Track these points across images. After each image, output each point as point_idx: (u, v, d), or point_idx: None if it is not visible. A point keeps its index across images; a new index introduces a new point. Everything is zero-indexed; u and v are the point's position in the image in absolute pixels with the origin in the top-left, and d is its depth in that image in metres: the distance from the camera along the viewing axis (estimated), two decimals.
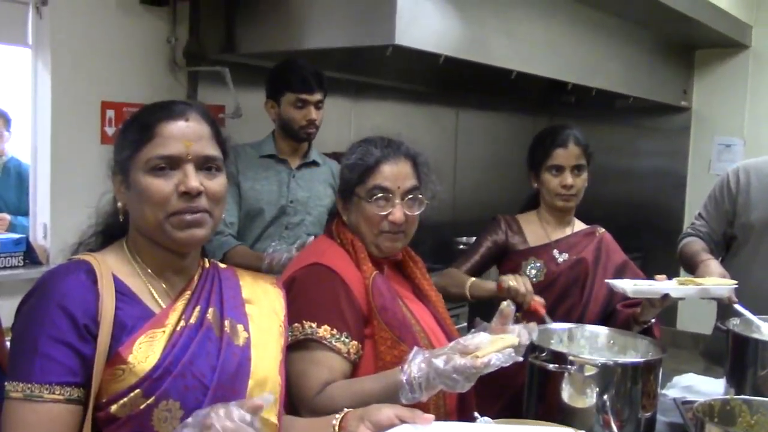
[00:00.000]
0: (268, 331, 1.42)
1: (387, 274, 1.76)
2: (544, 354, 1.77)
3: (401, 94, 4.68)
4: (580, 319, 2.20)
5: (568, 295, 2.27)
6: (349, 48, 3.15)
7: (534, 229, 2.35)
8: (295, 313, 1.58)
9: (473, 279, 2.21)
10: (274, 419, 1.34)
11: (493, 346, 1.46)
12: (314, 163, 2.81)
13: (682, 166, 5.77)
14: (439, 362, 1.42)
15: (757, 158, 2.74)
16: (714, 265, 2.41)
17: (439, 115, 5.09)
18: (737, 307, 2.18)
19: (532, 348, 1.78)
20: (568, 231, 2.36)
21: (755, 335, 2.09)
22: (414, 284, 1.81)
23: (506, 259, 2.33)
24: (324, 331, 1.58)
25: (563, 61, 4.09)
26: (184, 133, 1.30)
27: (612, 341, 1.95)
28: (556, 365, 1.71)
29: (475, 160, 5.18)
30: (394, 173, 1.70)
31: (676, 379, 2.28)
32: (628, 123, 5.89)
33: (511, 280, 2.02)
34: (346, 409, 1.37)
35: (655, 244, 5.74)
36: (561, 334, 1.96)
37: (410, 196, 1.72)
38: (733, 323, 2.13)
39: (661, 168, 5.84)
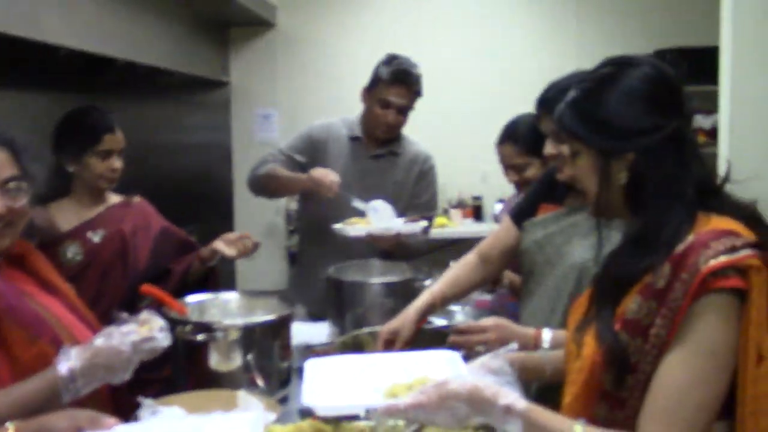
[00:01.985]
0: None
1: (5, 273, 1.61)
2: (187, 327, 1.81)
3: None
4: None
5: (113, 269, 2.28)
6: None
7: (67, 215, 2.30)
8: None
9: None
10: None
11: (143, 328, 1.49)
12: None
13: (226, 137, 6.09)
14: (108, 340, 1.39)
15: (337, 119, 3.00)
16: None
17: None
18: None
19: (174, 323, 1.80)
20: (101, 208, 2.36)
21: (349, 278, 2.41)
22: (40, 278, 1.68)
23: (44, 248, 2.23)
24: None
25: (115, 38, 3.99)
26: None
27: (240, 305, 2.08)
28: (204, 335, 1.77)
29: None
30: None
31: None
32: (173, 98, 5.95)
33: None
34: (9, 424, 1.25)
35: (210, 214, 6.01)
36: (193, 308, 2.02)
37: (10, 186, 1.58)
38: (331, 270, 2.43)
39: (208, 141, 6.07)
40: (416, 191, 2.90)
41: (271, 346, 1.86)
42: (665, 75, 1.35)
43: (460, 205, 5.83)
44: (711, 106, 4.92)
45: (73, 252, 2.24)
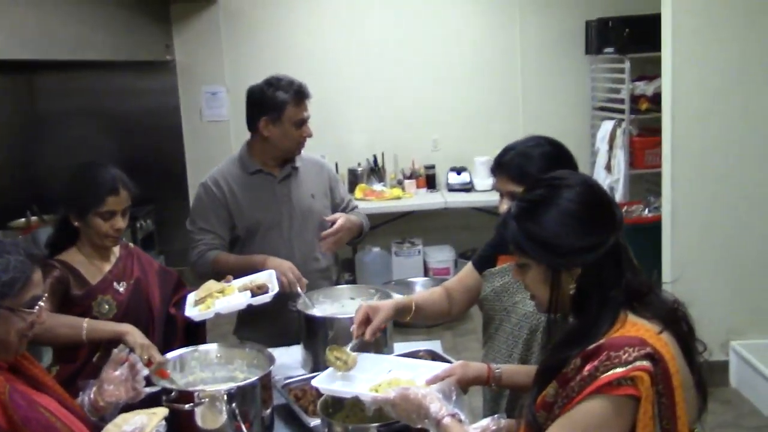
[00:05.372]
0: None
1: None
2: (172, 394, 1.89)
3: None
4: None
5: (140, 316, 2.34)
6: None
7: (86, 268, 2.32)
8: None
9: (88, 320, 2.17)
10: None
11: (151, 424, 1.57)
12: None
13: (176, 117, 6.04)
14: None
15: (220, 166, 2.91)
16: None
17: None
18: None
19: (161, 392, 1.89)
20: (113, 259, 2.40)
21: (315, 312, 2.50)
22: (29, 378, 1.72)
23: (72, 304, 2.26)
24: None
25: (55, 39, 3.91)
26: None
27: (219, 355, 2.16)
28: (191, 404, 1.86)
29: None
30: None
31: None
32: (119, 80, 5.90)
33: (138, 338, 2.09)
34: None
35: (166, 193, 5.99)
36: (174, 363, 2.10)
37: (41, 303, 1.65)
38: (299, 303, 2.51)
39: (158, 122, 6.03)
40: (336, 196, 2.97)
41: (254, 399, 1.96)
42: (597, 192, 1.49)
43: (413, 175, 5.91)
44: (653, 72, 5.07)
45: (108, 305, 2.29)
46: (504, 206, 1.97)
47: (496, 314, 2.08)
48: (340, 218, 2.81)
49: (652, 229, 4.34)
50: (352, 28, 5.95)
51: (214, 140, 6.09)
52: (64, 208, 2.33)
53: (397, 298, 2.24)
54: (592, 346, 1.37)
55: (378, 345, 2.38)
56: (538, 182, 1.51)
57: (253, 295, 2.34)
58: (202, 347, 2.18)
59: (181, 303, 2.41)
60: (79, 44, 4.26)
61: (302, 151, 2.89)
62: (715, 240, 4.09)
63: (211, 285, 2.38)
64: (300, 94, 2.75)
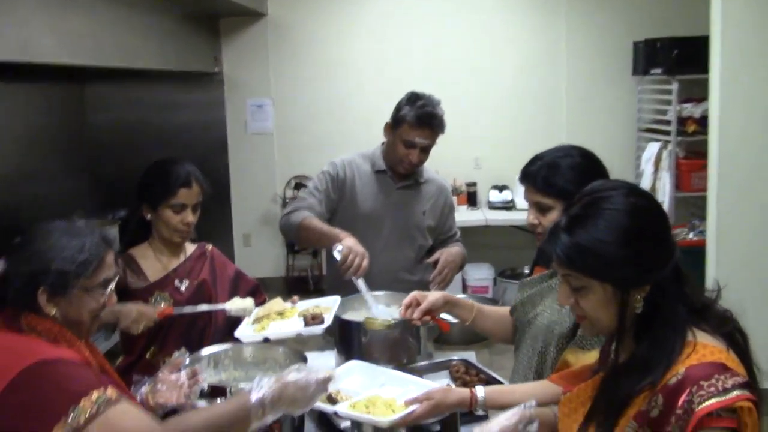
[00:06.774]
0: None
1: None
2: (205, 388, 1.90)
3: None
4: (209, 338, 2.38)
5: (197, 317, 2.37)
6: None
7: (151, 264, 2.37)
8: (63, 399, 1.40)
9: None
10: None
11: None
12: None
13: (221, 129, 6.12)
14: (293, 375, 1.60)
15: (354, 155, 2.96)
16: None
17: None
18: (358, 283, 2.48)
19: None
20: (182, 257, 2.43)
21: (347, 317, 2.48)
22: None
23: (131, 297, 2.29)
24: (111, 392, 1.45)
25: (106, 46, 4.00)
26: None
27: (252, 355, 2.16)
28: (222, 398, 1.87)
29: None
30: None
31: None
32: (166, 92, 6.00)
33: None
34: None
35: (208, 204, 6.01)
36: (208, 359, 2.11)
37: (112, 286, 1.69)
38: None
39: (204, 133, 6.10)
40: (444, 222, 2.98)
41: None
42: (655, 202, 1.39)
43: (454, 192, 5.89)
44: (701, 94, 5.00)
45: (164, 302, 2.31)
46: (531, 216, 1.94)
47: (520, 325, 2.04)
48: (441, 256, 2.79)
49: (697, 253, 4.24)
50: (397, 45, 5.99)
51: (259, 152, 6.17)
52: (138, 201, 2.36)
53: (455, 296, 2.21)
54: (673, 381, 1.27)
55: (410, 351, 2.36)
56: (590, 192, 1.40)
57: (306, 324, 2.31)
58: (236, 346, 2.19)
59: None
60: (131, 52, 4.36)
61: (431, 172, 2.98)
62: (760, 265, 3.99)
63: (274, 305, 2.38)
64: (421, 120, 2.73)
